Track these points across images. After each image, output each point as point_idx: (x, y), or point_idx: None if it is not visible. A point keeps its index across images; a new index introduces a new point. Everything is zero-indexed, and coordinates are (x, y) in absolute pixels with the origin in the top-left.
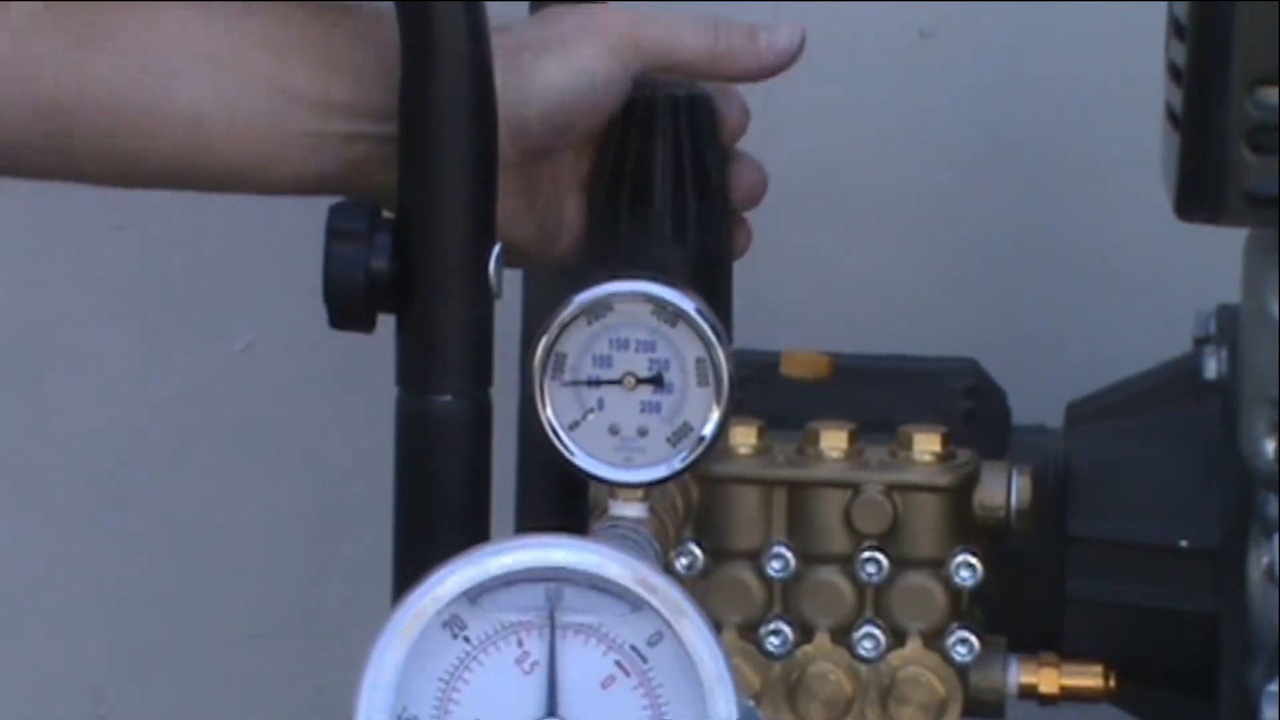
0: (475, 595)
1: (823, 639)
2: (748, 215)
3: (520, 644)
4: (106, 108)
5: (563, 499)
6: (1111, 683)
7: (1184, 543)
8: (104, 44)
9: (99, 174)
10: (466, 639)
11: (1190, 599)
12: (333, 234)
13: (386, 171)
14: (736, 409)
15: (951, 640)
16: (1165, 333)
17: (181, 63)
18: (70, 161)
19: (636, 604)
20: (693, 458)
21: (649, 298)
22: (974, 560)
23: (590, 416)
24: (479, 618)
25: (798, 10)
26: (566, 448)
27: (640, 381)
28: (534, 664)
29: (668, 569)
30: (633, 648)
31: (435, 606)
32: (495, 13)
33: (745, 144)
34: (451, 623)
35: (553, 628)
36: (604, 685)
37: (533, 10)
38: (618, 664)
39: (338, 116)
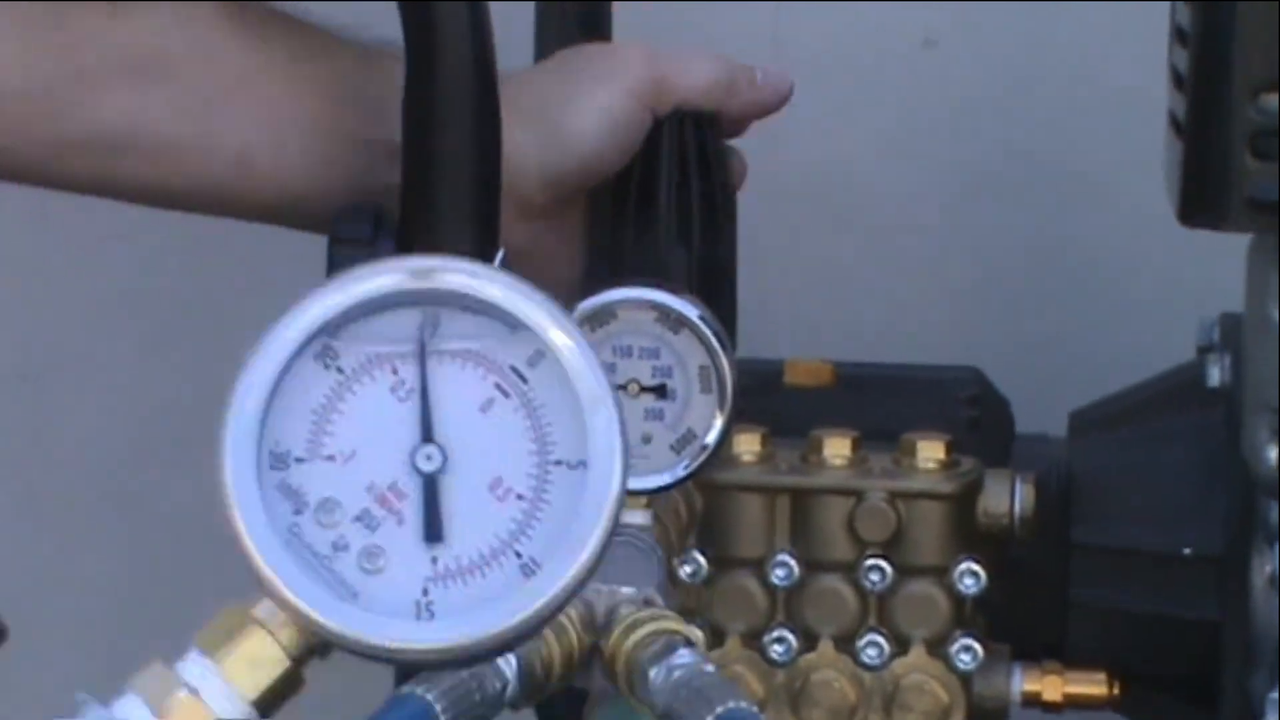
0: (346, 322)
1: (826, 647)
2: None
3: (395, 371)
4: (160, 144)
5: None
6: (1115, 690)
7: (1187, 550)
8: (165, 83)
9: (139, 200)
10: (339, 369)
11: (1193, 606)
12: (336, 239)
13: None
14: (740, 417)
15: (955, 648)
16: (1168, 341)
17: (236, 103)
18: (114, 188)
19: (515, 325)
20: (696, 465)
21: (653, 305)
22: (977, 568)
23: None
24: (351, 346)
25: (801, 18)
26: None
27: (644, 390)
28: (410, 391)
29: (672, 577)
30: (512, 368)
31: (301, 336)
32: (497, 12)
33: (750, 148)
34: (323, 354)
35: (423, 353)
36: (483, 409)
37: (540, 16)
38: (497, 386)
39: (381, 159)
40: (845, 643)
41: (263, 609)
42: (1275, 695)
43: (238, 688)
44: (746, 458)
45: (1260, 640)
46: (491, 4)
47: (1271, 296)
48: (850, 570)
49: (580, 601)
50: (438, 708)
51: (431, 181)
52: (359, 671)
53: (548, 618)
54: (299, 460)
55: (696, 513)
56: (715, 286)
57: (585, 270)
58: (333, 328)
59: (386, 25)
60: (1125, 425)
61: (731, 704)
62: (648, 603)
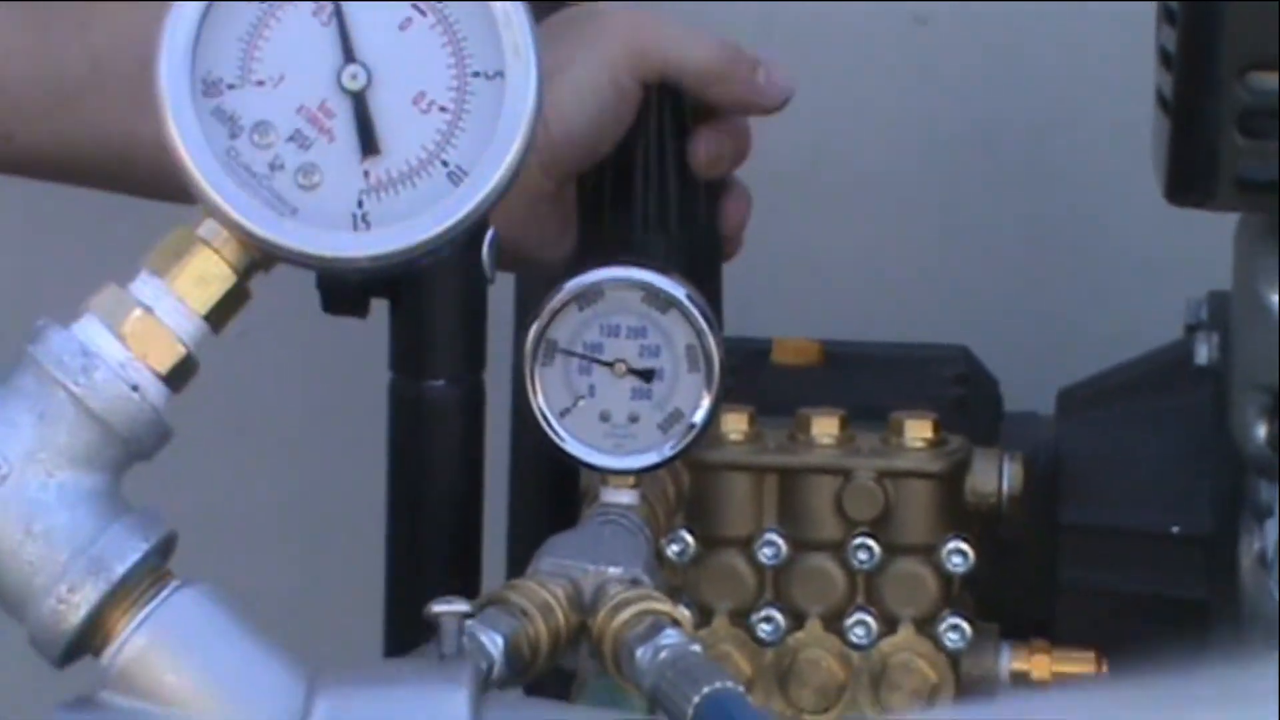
0: None
1: (814, 626)
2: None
3: None
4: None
5: (554, 485)
6: (1103, 669)
7: (1175, 529)
8: None
9: (151, 195)
10: None
11: (1182, 586)
12: None
13: None
14: (727, 396)
15: (943, 627)
16: (1157, 319)
17: None
18: (126, 184)
19: None
20: (684, 444)
21: (640, 284)
22: (965, 547)
23: (581, 403)
24: None
25: None
26: (558, 434)
27: (631, 371)
28: (330, 15)
29: (659, 556)
30: None
31: None
32: None
33: None
34: None
35: None
36: (402, 27)
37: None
38: (413, 5)
39: None
40: (833, 622)
41: (206, 229)
42: None
43: (189, 303)
44: (734, 436)
45: (1249, 620)
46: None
47: (1262, 277)
48: (838, 549)
49: (567, 581)
50: None
51: None
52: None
53: (475, 221)
54: (231, 86)
55: (684, 492)
56: (700, 266)
57: (574, 250)
58: None
59: None
60: (1113, 404)
61: (718, 683)
62: (635, 582)
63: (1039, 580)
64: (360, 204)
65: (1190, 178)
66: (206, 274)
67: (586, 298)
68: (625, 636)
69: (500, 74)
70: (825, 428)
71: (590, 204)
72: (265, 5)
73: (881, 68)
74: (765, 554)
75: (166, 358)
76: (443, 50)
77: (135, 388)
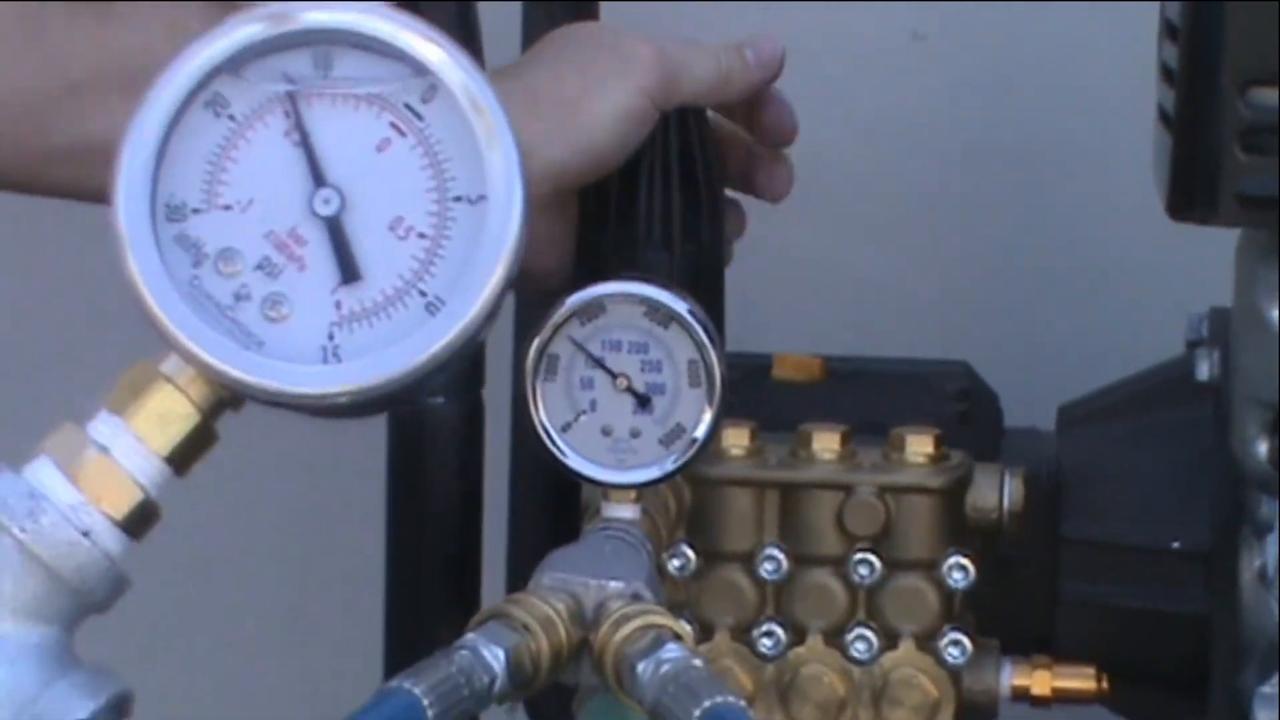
0: (235, 67)
1: (815, 641)
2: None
3: (287, 115)
4: None
5: (555, 500)
6: (1104, 685)
7: (1176, 545)
8: None
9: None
10: (231, 116)
11: (1182, 601)
12: None
13: None
14: (729, 411)
15: (944, 642)
16: (1157, 335)
17: None
18: (104, 196)
19: (408, 61)
20: (685, 459)
21: (642, 299)
22: (966, 562)
23: (582, 418)
24: (242, 92)
25: (790, 11)
26: (559, 449)
27: (629, 391)
28: (305, 134)
29: (660, 571)
30: (407, 106)
31: (188, 84)
32: (485, 13)
33: None
34: (214, 102)
35: (296, 97)
36: (379, 149)
37: (528, 15)
38: (392, 125)
39: None
40: (834, 637)
41: (170, 364)
42: (1265, 689)
43: (149, 444)
44: (735, 452)
45: (1249, 635)
46: (479, 4)
47: (1263, 293)
48: (839, 564)
49: (569, 595)
50: (425, 702)
51: None
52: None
53: (453, 355)
54: (195, 211)
55: (685, 507)
56: (702, 281)
57: (575, 265)
58: (221, 74)
59: None
60: (1114, 419)
61: (719, 698)
62: (636, 597)
63: (1040, 595)
64: (331, 336)
65: (1192, 193)
66: (168, 413)
67: (588, 312)
68: (627, 651)
69: (483, 198)
70: (826, 443)
71: (593, 219)
72: (233, 124)
73: (880, 84)
74: (766, 569)
75: (122, 501)
76: (422, 173)
77: (87, 533)
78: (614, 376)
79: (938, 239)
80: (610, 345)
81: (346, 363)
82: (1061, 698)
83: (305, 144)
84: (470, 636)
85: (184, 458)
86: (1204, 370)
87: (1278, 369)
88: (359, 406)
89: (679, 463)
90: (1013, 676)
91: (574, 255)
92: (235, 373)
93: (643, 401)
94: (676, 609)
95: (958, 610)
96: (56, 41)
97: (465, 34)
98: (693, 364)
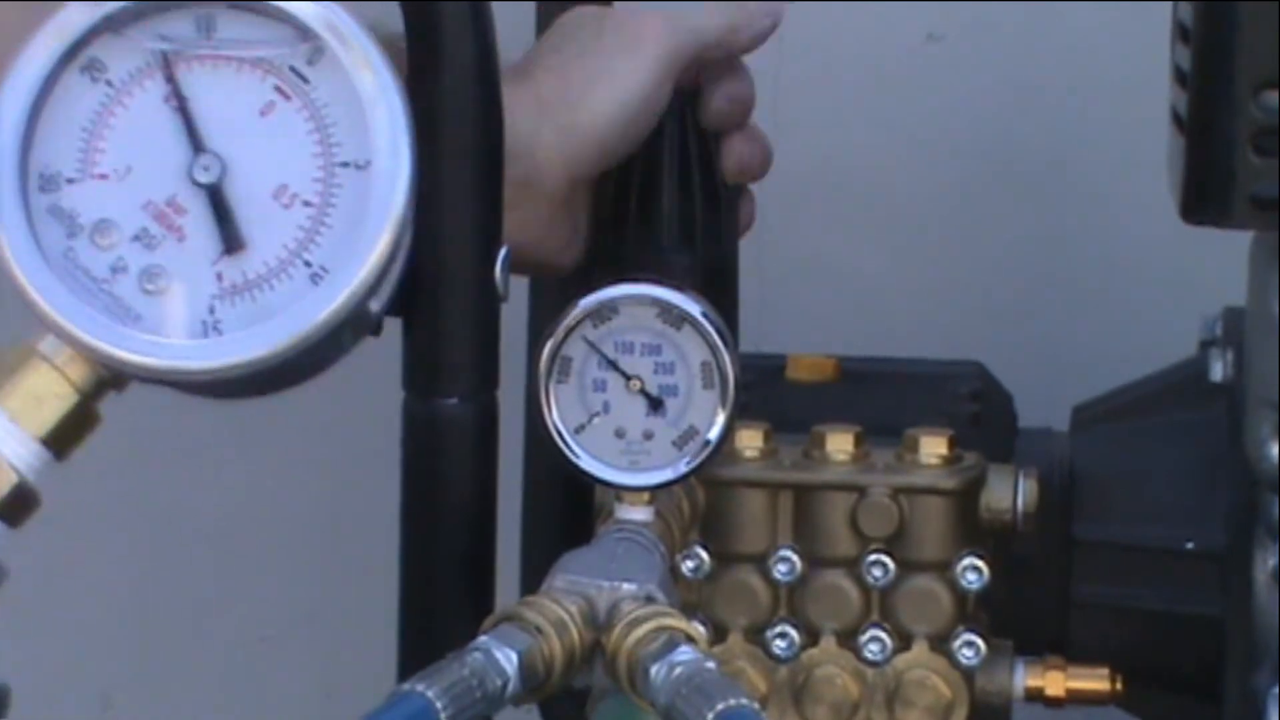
0: (112, 29)
1: (829, 642)
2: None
3: (169, 81)
4: None
5: (569, 502)
6: (1118, 686)
7: (1190, 546)
8: None
9: None
10: (108, 82)
11: (1196, 602)
12: None
13: None
14: (742, 412)
15: (958, 643)
16: (1171, 336)
17: None
18: None
19: (296, 25)
20: (698, 461)
21: (654, 301)
22: (980, 563)
23: (596, 420)
24: (119, 56)
25: (806, 13)
26: (572, 451)
27: (643, 394)
28: (185, 99)
29: (674, 573)
30: (292, 69)
31: (61, 47)
32: (499, 12)
33: None
34: (91, 66)
35: (169, 59)
36: (263, 113)
37: (543, 12)
38: (277, 89)
39: None
40: (848, 638)
41: (47, 343)
42: (1277, 691)
43: (23, 426)
44: (749, 453)
45: (1263, 636)
46: (494, 3)
47: (1275, 294)
48: (853, 566)
49: (582, 598)
50: (438, 705)
51: (436, 184)
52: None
53: (336, 326)
54: (70, 181)
55: (699, 508)
56: (717, 282)
57: (588, 266)
58: (97, 36)
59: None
60: (1128, 420)
61: (732, 700)
62: (649, 599)
63: (1053, 596)
64: (212, 310)
65: (1205, 196)
66: (44, 392)
67: (601, 314)
68: (640, 653)
69: (370, 163)
70: (840, 444)
71: (610, 219)
72: (110, 90)
73: (895, 85)
74: (780, 570)
75: None
76: (308, 138)
77: None
78: (628, 378)
79: (951, 240)
80: (623, 347)
81: (227, 335)
82: (1075, 699)
83: (182, 108)
84: (483, 639)
85: (62, 440)
86: (1218, 371)
87: None
88: (244, 383)
89: (692, 464)
90: (1026, 677)
91: (589, 256)
92: (110, 349)
93: (655, 404)
94: (690, 611)
95: (971, 611)
96: None
97: (479, 28)
98: (706, 365)
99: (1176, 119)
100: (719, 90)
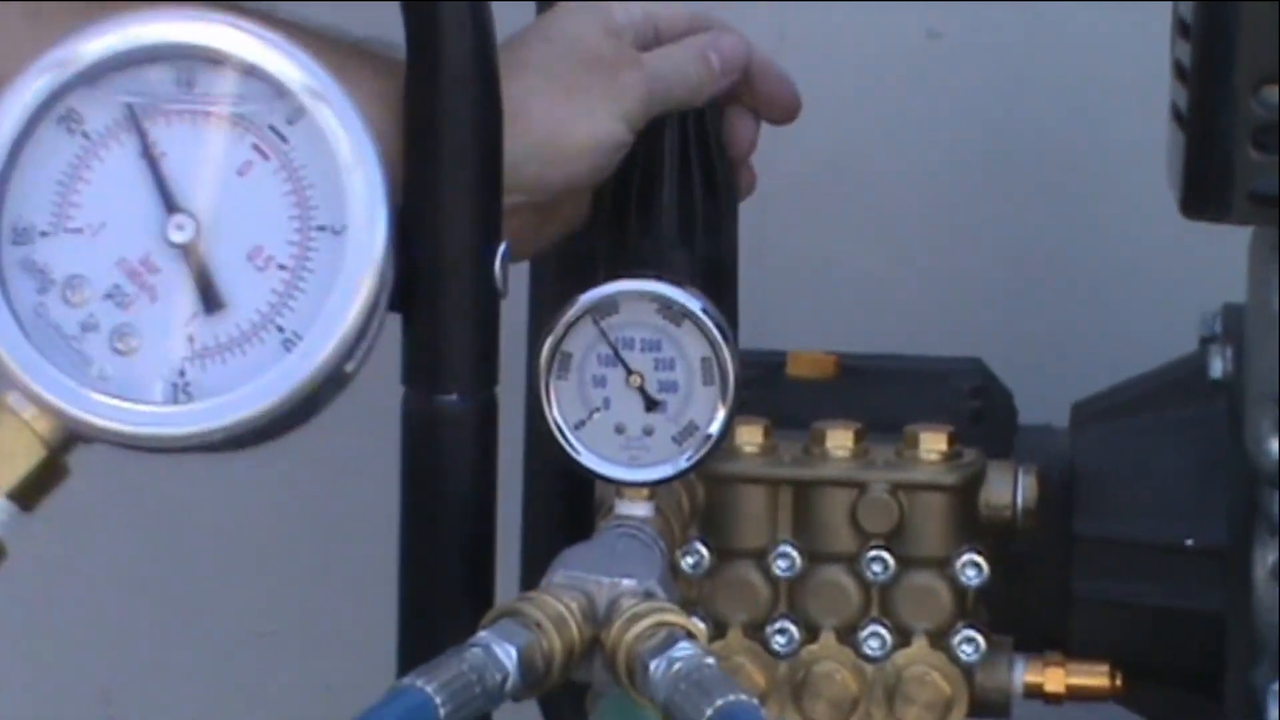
0: (90, 81)
1: (828, 638)
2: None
3: (141, 136)
4: None
5: (569, 498)
6: (1117, 682)
7: (1190, 542)
8: None
9: None
10: (85, 134)
11: (1196, 598)
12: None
13: None
14: (742, 408)
15: (957, 639)
16: (1171, 332)
17: None
18: None
19: (275, 83)
20: (698, 457)
21: (655, 297)
22: (980, 559)
23: (596, 415)
24: (97, 109)
25: (807, 10)
26: (573, 446)
27: (641, 391)
28: (162, 154)
29: (674, 568)
30: (271, 128)
31: (38, 98)
32: (499, 12)
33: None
34: (67, 118)
35: (141, 116)
36: (241, 172)
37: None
38: (255, 148)
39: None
40: (847, 634)
41: (15, 397)
42: (1277, 687)
43: None
44: (749, 449)
45: (1263, 632)
46: (493, 3)
47: (1275, 290)
48: (852, 562)
49: (581, 593)
50: (437, 700)
51: (435, 180)
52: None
53: (309, 394)
54: (43, 234)
55: (698, 504)
56: (717, 279)
57: (588, 263)
58: (75, 87)
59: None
60: (1128, 416)
61: (732, 696)
62: (649, 595)
63: (1053, 593)
64: (182, 372)
65: (1205, 192)
66: (10, 447)
67: (601, 310)
68: (639, 649)
69: (346, 228)
70: (840, 440)
71: (610, 216)
72: (86, 142)
73: (895, 81)
74: (780, 566)
75: None
76: (285, 199)
77: None
78: (630, 372)
79: (951, 237)
80: (623, 343)
81: (197, 402)
82: (1075, 695)
83: (155, 166)
84: (482, 634)
85: (29, 494)
86: (1217, 367)
87: None
88: (214, 445)
89: (692, 460)
90: (1026, 673)
91: (589, 252)
92: (76, 413)
93: (651, 405)
94: (689, 607)
95: (971, 607)
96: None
97: (478, 30)
98: (706, 361)
99: (1177, 115)
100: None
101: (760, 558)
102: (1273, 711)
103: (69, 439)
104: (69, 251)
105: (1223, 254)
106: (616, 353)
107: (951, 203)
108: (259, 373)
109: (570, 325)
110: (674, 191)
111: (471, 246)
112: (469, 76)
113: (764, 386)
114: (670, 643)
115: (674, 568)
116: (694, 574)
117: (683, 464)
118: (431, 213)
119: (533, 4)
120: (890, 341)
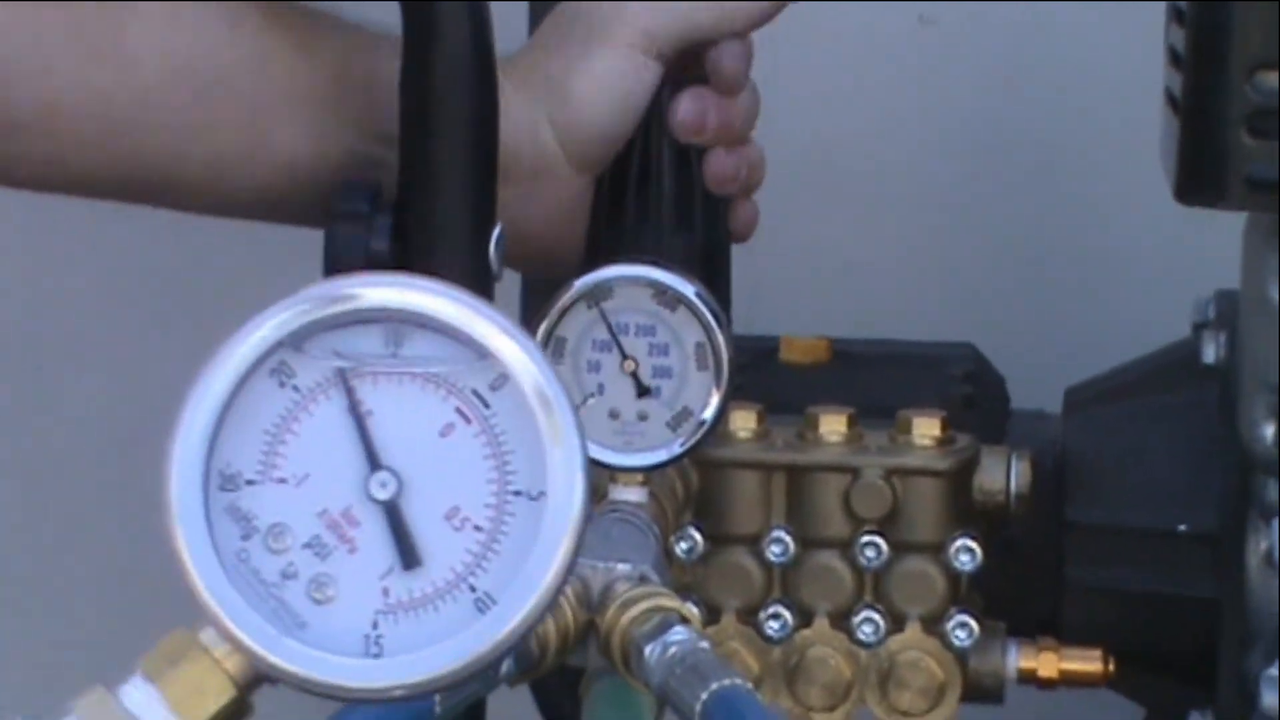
0: (304, 338)
1: (822, 624)
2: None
3: (351, 392)
4: (211, 158)
5: None
6: (1110, 667)
7: (1182, 528)
8: (221, 95)
9: (199, 211)
10: (295, 388)
11: (1189, 584)
12: (334, 216)
13: None
14: (736, 394)
15: (951, 625)
16: (1164, 318)
17: (286, 109)
18: (170, 200)
19: (478, 348)
20: (692, 442)
21: (649, 282)
22: (973, 545)
23: (590, 401)
24: (308, 364)
25: None
26: None
27: (635, 380)
28: (367, 413)
29: (668, 553)
30: (474, 392)
31: (257, 351)
32: (494, 11)
33: None
34: (279, 370)
35: (350, 376)
36: (443, 434)
37: (535, 11)
38: (458, 411)
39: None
40: (841, 619)
41: (208, 634)
42: (1271, 672)
43: (181, 716)
44: (742, 434)
45: (1256, 618)
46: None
47: (1269, 276)
48: (846, 547)
49: (576, 578)
50: None
51: (429, 167)
52: None
53: (501, 656)
54: (250, 482)
55: (692, 489)
56: (710, 264)
57: (586, 248)
58: (290, 343)
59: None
60: (1120, 402)
61: (726, 681)
62: (643, 579)
63: (1046, 578)
64: (375, 625)
65: (1199, 177)
66: (204, 684)
67: (595, 295)
68: (633, 634)
69: (543, 494)
70: (833, 425)
71: (605, 202)
72: (297, 396)
73: (888, 68)
74: (773, 552)
75: None
76: (484, 463)
77: None
78: (625, 357)
79: (944, 222)
80: (618, 329)
81: (388, 658)
82: (1068, 680)
83: (361, 424)
84: None
85: None
86: (1210, 353)
87: None
88: (393, 699)
89: (686, 446)
90: (1019, 659)
91: (585, 239)
92: (273, 659)
93: (643, 392)
94: (683, 592)
95: (964, 593)
96: (128, 45)
97: (476, 30)
98: (700, 347)
99: (1171, 100)
100: (685, 101)
101: (754, 543)
102: (1267, 697)
103: (258, 679)
104: (274, 500)
105: (1215, 240)
106: (615, 336)
107: (944, 188)
108: (451, 633)
109: (565, 310)
110: (669, 178)
111: (466, 229)
112: (464, 57)
113: (757, 372)
114: (665, 628)
115: (668, 553)
116: (688, 559)
117: (677, 449)
118: (426, 195)
119: (524, 3)
120: (883, 327)
